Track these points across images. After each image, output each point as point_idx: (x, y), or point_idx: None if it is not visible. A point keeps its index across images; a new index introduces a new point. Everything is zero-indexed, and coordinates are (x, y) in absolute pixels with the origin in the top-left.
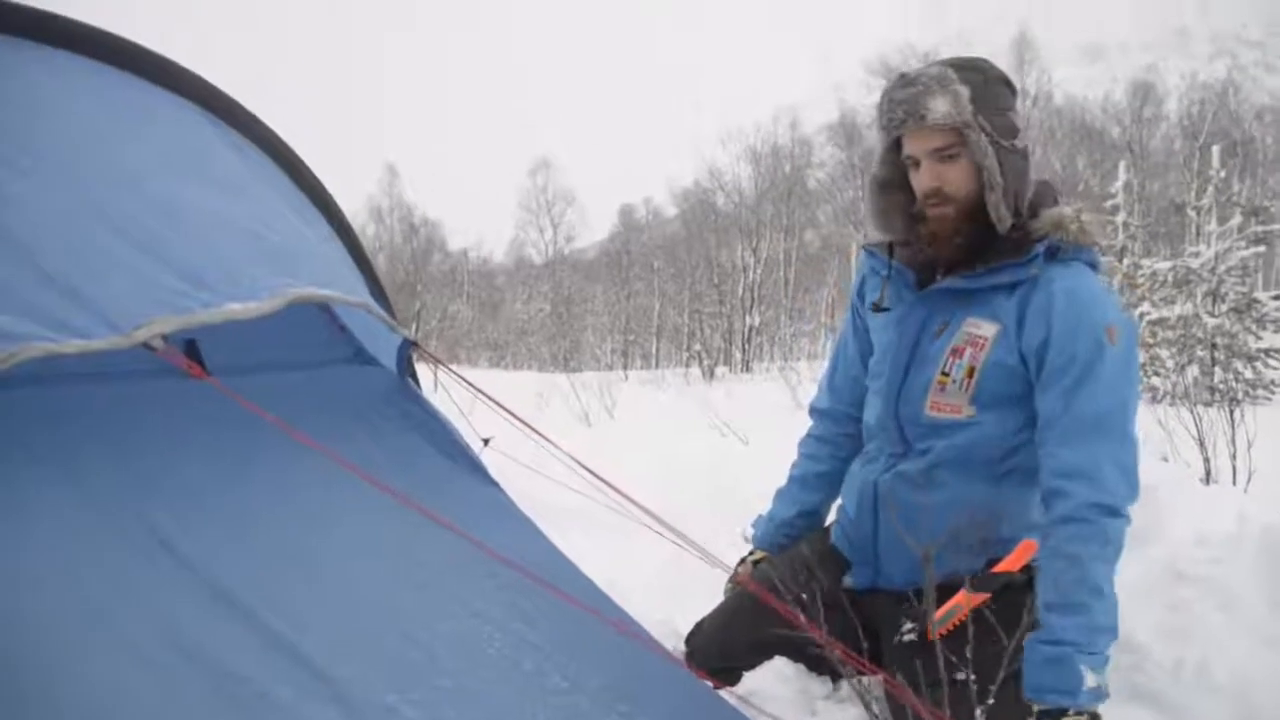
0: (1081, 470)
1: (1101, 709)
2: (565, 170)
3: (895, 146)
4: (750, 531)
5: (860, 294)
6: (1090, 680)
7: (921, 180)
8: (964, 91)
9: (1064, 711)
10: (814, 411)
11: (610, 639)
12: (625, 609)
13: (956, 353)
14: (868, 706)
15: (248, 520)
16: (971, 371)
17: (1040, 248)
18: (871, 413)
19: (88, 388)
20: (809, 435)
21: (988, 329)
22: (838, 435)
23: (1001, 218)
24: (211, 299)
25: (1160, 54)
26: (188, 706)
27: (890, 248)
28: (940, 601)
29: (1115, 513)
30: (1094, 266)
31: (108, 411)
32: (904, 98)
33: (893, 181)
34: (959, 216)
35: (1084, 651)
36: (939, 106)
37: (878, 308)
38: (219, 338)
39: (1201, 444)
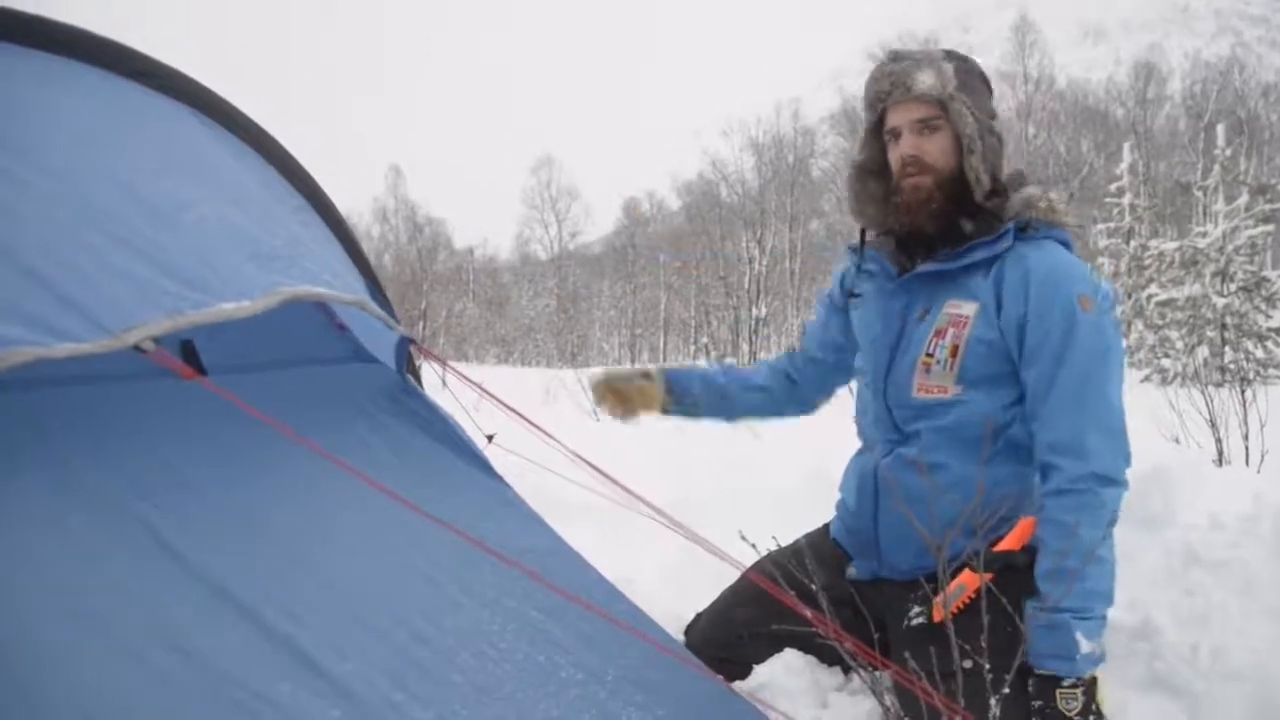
0: (1068, 444)
1: (1100, 671)
2: (569, 165)
3: (877, 131)
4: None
5: (842, 284)
6: (1085, 646)
7: (901, 148)
8: (949, 68)
9: (1060, 681)
10: (773, 359)
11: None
12: (636, 603)
13: (939, 334)
14: (880, 699)
15: (247, 519)
16: (955, 350)
17: (1011, 225)
18: (863, 404)
19: (81, 391)
20: (762, 362)
21: (968, 308)
22: (784, 369)
23: (980, 180)
24: (203, 299)
25: (1163, 32)
26: (184, 708)
27: (863, 237)
28: (940, 584)
29: (1108, 481)
30: (1066, 245)
31: (101, 414)
32: (893, 70)
33: (871, 167)
34: (935, 186)
35: (1079, 617)
36: (925, 79)
37: (852, 294)
38: (218, 337)
39: (1213, 425)
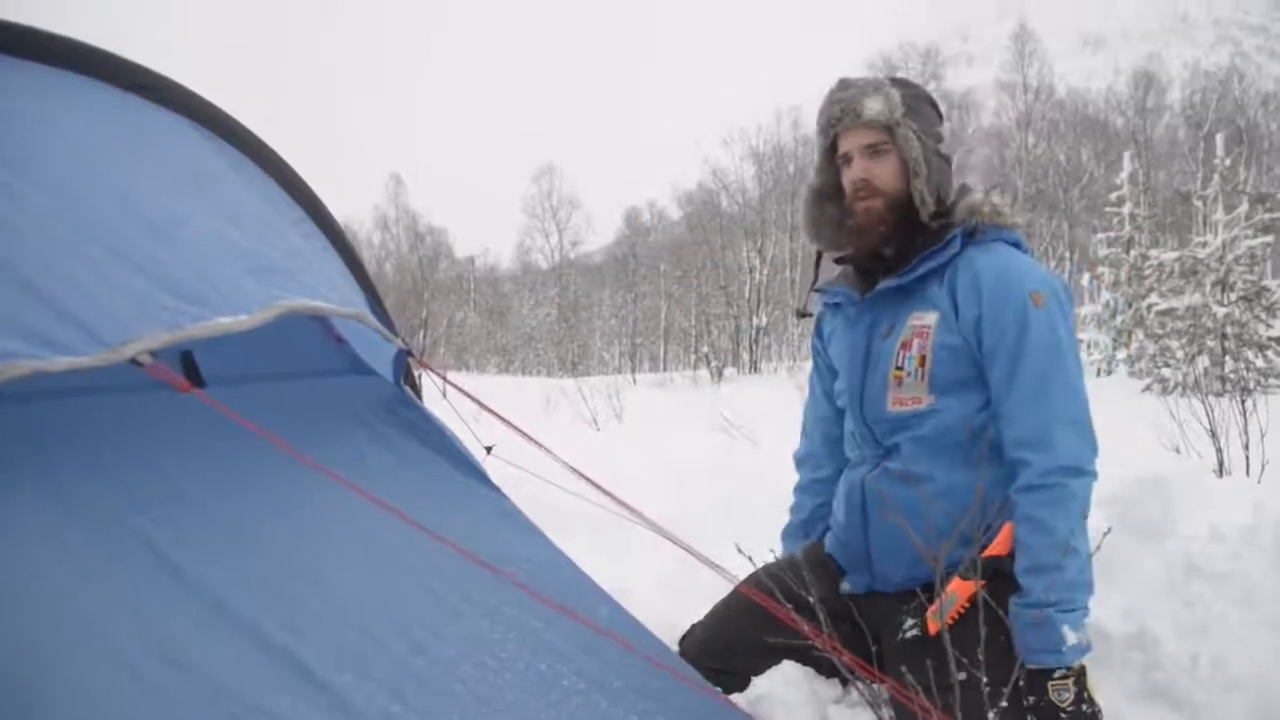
0: (1035, 439)
1: (1087, 660)
2: (570, 174)
3: (831, 156)
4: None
5: (819, 332)
6: (1071, 637)
7: (852, 172)
8: (896, 95)
9: (1051, 673)
10: (795, 460)
11: None
12: (632, 613)
13: (905, 346)
14: (878, 712)
15: (245, 532)
16: (923, 360)
17: (958, 231)
18: (847, 424)
19: (79, 403)
20: (796, 487)
21: (929, 318)
22: (815, 482)
23: (925, 202)
24: (201, 313)
25: (1162, 42)
26: None
27: (819, 261)
28: (934, 594)
29: (1076, 472)
30: (1017, 245)
31: (99, 427)
32: (842, 98)
33: (827, 192)
34: (885, 208)
35: (1062, 610)
36: (873, 105)
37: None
38: (216, 349)
39: (1214, 435)
